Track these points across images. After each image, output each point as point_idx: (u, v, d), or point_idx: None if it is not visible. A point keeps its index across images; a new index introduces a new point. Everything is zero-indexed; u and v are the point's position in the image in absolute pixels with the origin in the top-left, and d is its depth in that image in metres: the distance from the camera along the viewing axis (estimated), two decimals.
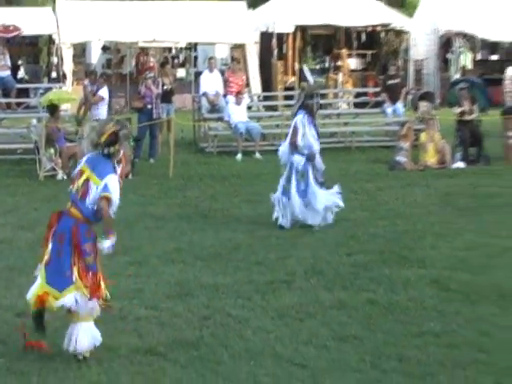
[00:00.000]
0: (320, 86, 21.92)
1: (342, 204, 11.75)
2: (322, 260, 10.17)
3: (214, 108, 20.52)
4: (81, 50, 30.19)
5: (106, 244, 6.95)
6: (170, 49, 30.75)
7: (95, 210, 6.97)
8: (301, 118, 11.75)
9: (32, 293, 7.12)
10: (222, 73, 21.86)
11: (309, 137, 11.73)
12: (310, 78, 25.00)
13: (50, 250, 7.05)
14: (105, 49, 29.71)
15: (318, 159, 11.92)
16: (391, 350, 7.26)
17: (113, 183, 6.99)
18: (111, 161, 7.08)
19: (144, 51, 28.01)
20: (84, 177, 7.04)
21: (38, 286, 7.09)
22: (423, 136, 17.54)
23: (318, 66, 29.66)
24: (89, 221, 7.01)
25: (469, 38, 28.30)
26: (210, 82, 20.71)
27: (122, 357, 7.14)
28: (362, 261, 10.11)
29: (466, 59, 27.31)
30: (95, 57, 30.61)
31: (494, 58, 30.62)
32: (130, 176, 15.39)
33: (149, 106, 18.17)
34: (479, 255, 10.30)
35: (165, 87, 19.30)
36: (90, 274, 6.98)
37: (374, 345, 7.40)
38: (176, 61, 30.94)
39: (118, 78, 27.97)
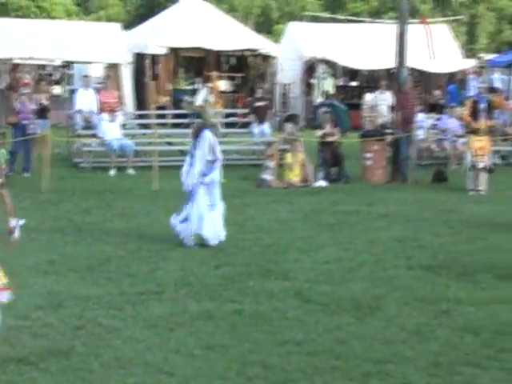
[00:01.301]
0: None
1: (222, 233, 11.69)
2: (191, 272, 10.19)
3: (89, 125, 20.33)
4: None
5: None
6: (44, 66, 30.26)
7: None
8: (211, 135, 11.69)
9: None
10: (97, 91, 21.68)
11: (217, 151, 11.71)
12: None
13: None
14: None
15: None
16: (256, 358, 7.32)
17: None
18: None
19: (18, 67, 27.44)
20: None
21: None
22: (288, 156, 17.80)
23: (189, 87, 29.70)
24: None
25: (331, 65, 28.93)
26: (85, 100, 20.53)
27: None
28: (229, 273, 10.18)
29: (329, 84, 27.90)
30: None
31: (354, 84, 31.39)
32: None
33: (23, 122, 17.88)
34: (338, 268, 10.52)
35: (40, 103, 19.01)
36: None
37: (239, 353, 7.45)
38: (52, 78, 30.46)
39: None
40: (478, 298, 9.24)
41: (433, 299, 9.14)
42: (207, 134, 11.64)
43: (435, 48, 22.59)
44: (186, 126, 19.45)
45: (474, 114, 16.87)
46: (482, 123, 16.80)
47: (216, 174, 11.58)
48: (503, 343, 7.79)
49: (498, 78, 26.14)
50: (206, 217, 11.46)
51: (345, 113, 20.02)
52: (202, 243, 11.53)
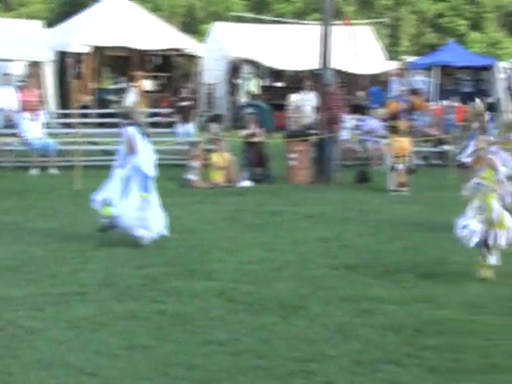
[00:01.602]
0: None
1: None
2: (115, 273, 10.11)
3: (10, 124, 20.01)
4: None
5: None
6: None
7: None
8: (133, 130, 11.66)
9: None
10: (18, 89, 21.35)
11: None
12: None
13: None
14: None
15: None
16: (180, 359, 7.30)
17: None
18: None
19: None
20: None
21: None
22: (213, 156, 17.80)
23: (113, 87, 29.46)
24: None
25: (256, 65, 29.02)
26: (5, 98, 20.19)
27: None
28: (153, 273, 10.13)
29: (253, 85, 27.97)
30: None
31: (279, 84, 31.53)
32: None
33: None
34: (263, 268, 10.56)
35: None
36: None
37: (163, 353, 7.42)
38: None
39: None
40: (400, 296, 9.38)
41: (356, 298, 9.24)
42: (129, 129, 11.63)
43: (358, 50, 22.89)
44: (110, 125, 19.30)
45: (395, 114, 17.14)
46: (402, 124, 17.06)
47: (136, 167, 11.52)
48: (423, 341, 7.92)
49: (418, 80, 26.55)
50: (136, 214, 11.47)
51: (269, 113, 20.11)
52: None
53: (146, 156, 11.61)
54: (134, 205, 11.45)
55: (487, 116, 21.90)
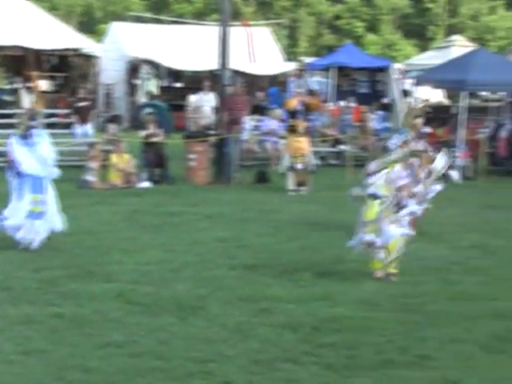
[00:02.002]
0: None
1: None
2: (10, 276, 9.93)
3: None
4: None
5: None
6: None
7: None
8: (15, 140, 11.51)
9: None
10: None
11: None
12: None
13: None
14: None
15: None
16: (76, 362, 7.22)
17: None
18: None
19: None
20: None
21: None
22: (112, 157, 17.64)
23: (8, 87, 28.86)
24: None
25: (155, 66, 28.87)
26: None
27: None
28: (50, 276, 9.98)
29: (152, 85, 27.81)
30: None
31: (178, 85, 31.44)
32: None
33: None
34: (161, 269, 10.52)
35: None
36: None
37: (59, 357, 7.33)
38: None
39: None
40: (298, 295, 9.49)
41: (254, 298, 9.30)
42: (11, 140, 11.53)
43: (256, 51, 23.00)
44: (5, 126, 18.93)
45: (293, 114, 17.29)
46: (300, 124, 17.21)
47: (24, 173, 11.37)
48: (320, 339, 8.04)
49: (315, 81, 26.85)
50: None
51: (168, 114, 20.04)
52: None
53: (35, 158, 11.44)
54: (24, 209, 11.29)
55: (380, 115, 22.40)
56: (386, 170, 10.28)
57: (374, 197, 10.19)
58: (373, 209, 10.23)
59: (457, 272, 10.78)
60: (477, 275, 10.62)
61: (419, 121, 11.27)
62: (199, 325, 8.39)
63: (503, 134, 21.02)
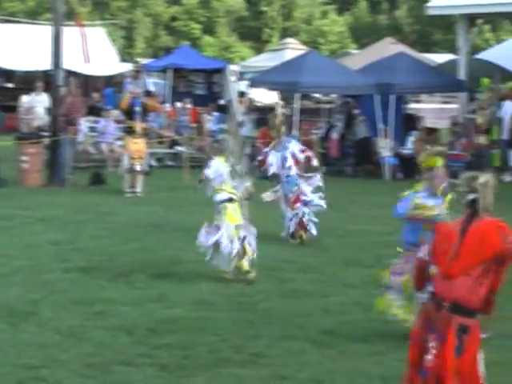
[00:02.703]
0: None
1: None
2: None
3: None
4: None
5: None
6: None
7: None
8: None
9: None
10: None
11: None
12: None
13: None
14: None
15: None
16: None
17: None
18: None
19: None
20: None
21: None
22: None
23: None
24: None
25: None
26: None
27: None
28: None
29: None
30: None
31: (10, 85, 30.62)
32: None
33: None
34: None
35: None
36: None
37: None
38: None
39: None
40: (133, 297, 9.45)
41: (88, 301, 9.20)
42: None
43: (91, 51, 22.73)
44: None
45: (130, 115, 17.16)
46: (138, 125, 17.11)
47: None
48: (155, 340, 8.04)
49: (152, 82, 26.78)
50: None
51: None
52: None
53: None
54: None
55: (216, 116, 22.60)
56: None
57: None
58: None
59: (290, 270, 11.01)
60: (309, 273, 10.89)
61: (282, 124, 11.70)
62: (31, 330, 8.22)
63: (334, 135, 21.62)
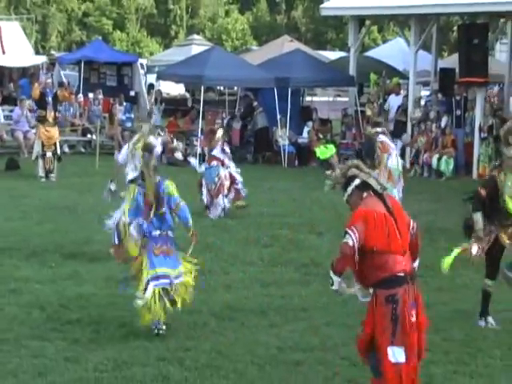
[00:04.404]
0: None
1: None
2: None
3: None
4: None
5: None
6: None
7: None
8: None
9: None
10: None
11: None
12: None
13: None
14: None
15: None
16: None
17: None
18: None
19: None
20: None
21: None
22: None
23: None
24: None
25: None
26: None
27: None
28: None
29: None
30: None
31: None
32: None
33: None
34: None
35: None
36: None
37: None
38: None
39: None
40: (46, 276, 9.27)
41: (2, 280, 8.98)
42: None
43: (6, 43, 22.19)
44: None
45: (42, 104, 16.76)
46: (49, 114, 16.73)
47: None
48: (67, 316, 7.90)
49: (66, 74, 26.29)
50: None
51: None
52: None
53: None
54: None
55: (126, 106, 22.30)
56: None
57: None
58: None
59: (194, 249, 10.92)
60: (212, 251, 10.80)
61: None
62: None
63: (236, 125, 21.59)
